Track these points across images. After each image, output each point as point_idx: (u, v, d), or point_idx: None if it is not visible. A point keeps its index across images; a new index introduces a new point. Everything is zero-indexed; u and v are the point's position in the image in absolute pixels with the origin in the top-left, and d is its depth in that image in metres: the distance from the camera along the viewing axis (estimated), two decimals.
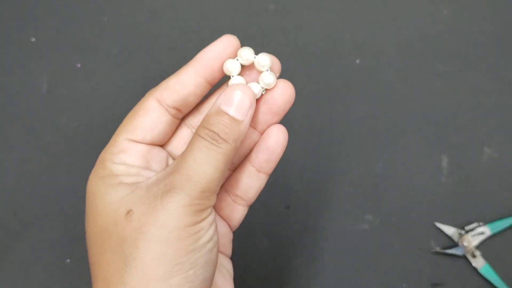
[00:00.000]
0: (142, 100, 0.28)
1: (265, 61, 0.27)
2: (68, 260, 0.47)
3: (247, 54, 0.28)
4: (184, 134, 0.30)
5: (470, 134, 0.47)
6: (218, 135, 0.25)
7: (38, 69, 0.51)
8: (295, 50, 0.50)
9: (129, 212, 0.24)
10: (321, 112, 0.49)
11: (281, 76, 0.51)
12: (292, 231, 0.46)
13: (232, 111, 0.25)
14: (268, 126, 0.29)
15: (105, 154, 0.28)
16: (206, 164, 0.24)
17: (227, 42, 0.28)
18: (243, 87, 0.26)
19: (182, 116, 0.29)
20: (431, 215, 0.46)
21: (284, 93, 0.29)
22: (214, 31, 0.51)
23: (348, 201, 0.47)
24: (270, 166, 0.31)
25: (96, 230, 0.26)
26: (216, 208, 0.31)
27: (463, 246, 0.44)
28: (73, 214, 0.48)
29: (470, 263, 0.44)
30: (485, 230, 0.45)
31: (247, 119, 0.26)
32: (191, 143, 0.25)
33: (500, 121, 0.48)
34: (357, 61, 0.50)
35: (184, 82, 0.27)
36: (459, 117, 0.48)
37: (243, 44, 0.30)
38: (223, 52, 0.28)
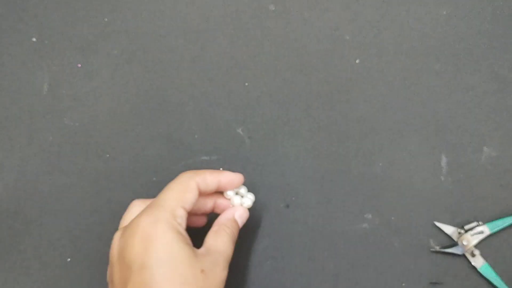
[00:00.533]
0: (187, 179, 0.40)
1: (249, 202, 0.44)
2: (69, 259, 0.47)
3: (244, 200, 0.44)
4: None
5: (469, 134, 0.47)
6: (232, 230, 0.41)
7: (39, 69, 0.51)
8: (295, 50, 0.50)
9: (203, 271, 0.36)
10: (320, 111, 0.49)
11: (282, 75, 0.52)
12: (292, 230, 0.47)
13: (239, 221, 0.43)
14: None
15: (166, 214, 0.37)
16: (223, 244, 0.40)
17: (241, 179, 0.43)
18: (246, 210, 0.43)
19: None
20: (431, 214, 0.46)
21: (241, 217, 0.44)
22: (214, 32, 0.51)
23: (348, 200, 0.47)
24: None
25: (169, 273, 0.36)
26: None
27: (462, 245, 0.44)
28: (74, 213, 0.48)
29: (469, 262, 0.44)
30: (484, 229, 0.45)
31: (241, 225, 0.43)
32: (218, 232, 0.41)
33: (499, 120, 0.48)
34: (357, 61, 0.50)
35: (211, 184, 0.42)
36: (458, 117, 0.48)
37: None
38: (235, 181, 0.43)
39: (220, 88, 0.50)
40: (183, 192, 0.39)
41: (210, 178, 0.41)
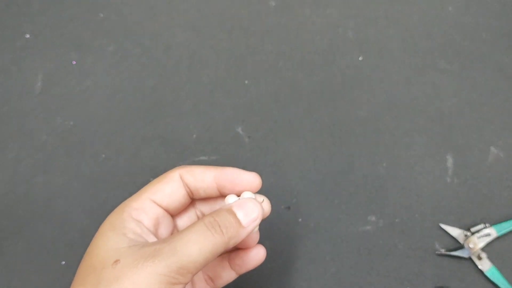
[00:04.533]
0: (170, 171, 0.32)
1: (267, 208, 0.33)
2: (63, 262, 0.46)
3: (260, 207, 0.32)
4: (191, 214, 0.35)
5: (476, 134, 0.47)
6: (219, 225, 0.29)
7: (33, 67, 0.51)
8: (297, 47, 0.50)
9: (116, 261, 0.27)
10: (323, 110, 0.49)
11: (283, 73, 0.50)
12: (293, 232, 0.46)
13: (240, 215, 0.30)
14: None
15: (127, 206, 0.31)
16: (194, 245, 0.28)
17: (254, 179, 0.32)
18: (256, 203, 0.31)
19: (193, 197, 0.34)
20: (436, 216, 0.45)
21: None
22: (213, 28, 0.51)
23: (351, 201, 0.46)
24: (241, 271, 0.36)
25: (87, 264, 0.29)
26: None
27: (469, 248, 0.44)
28: (68, 215, 0.47)
29: (475, 266, 0.44)
30: (491, 232, 0.44)
31: (249, 229, 0.30)
32: (192, 224, 0.29)
33: (506, 120, 0.47)
34: (360, 59, 0.50)
35: (203, 179, 0.32)
36: (465, 116, 0.47)
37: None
38: (247, 182, 0.32)
39: (219, 86, 0.50)
40: (157, 183, 0.32)
41: (200, 171, 0.32)
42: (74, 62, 0.51)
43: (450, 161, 0.47)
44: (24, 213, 0.47)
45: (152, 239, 0.31)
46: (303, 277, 0.45)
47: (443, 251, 0.44)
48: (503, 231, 0.44)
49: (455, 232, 0.45)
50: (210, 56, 0.50)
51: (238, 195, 0.33)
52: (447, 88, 0.48)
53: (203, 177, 0.32)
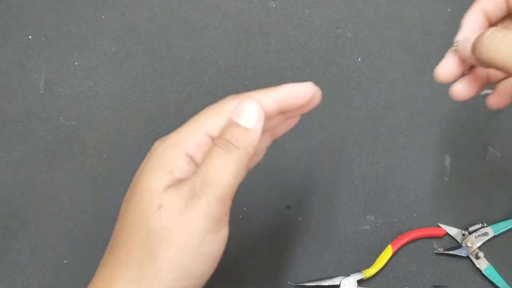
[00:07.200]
0: (224, 100, 0.30)
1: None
2: (66, 260, 0.46)
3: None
4: None
5: (474, 133, 0.47)
6: (231, 143, 0.28)
7: (36, 67, 0.51)
8: (296, 48, 0.50)
9: (160, 207, 0.27)
10: (322, 110, 0.49)
11: (282, 74, 0.50)
12: (293, 231, 0.46)
13: (242, 121, 0.28)
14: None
15: (182, 140, 0.29)
16: (221, 170, 0.27)
17: (311, 89, 0.31)
18: (251, 100, 0.29)
19: None
20: (434, 216, 0.45)
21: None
22: (213, 29, 0.51)
23: (350, 201, 0.46)
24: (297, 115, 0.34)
25: (131, 209, 0.28)
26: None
27: (467, 247, 0.44)
28: (72, 214, 0.47)
29: (473, 265, 0.44)
30: (489, 231, 0.44)
31: (257, 128, 0.29)
32: (209, 151, 0.28)
33: (504, 120, 0.47)
34: (359, 59, 0.49)
35: (263, 101, 0.29)
36: (463, 116, 0.47)
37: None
38: (305, 94, 0.31)
39: (219, 87, 0.50)
40: (214, 114, 0.29)
41: (260, 96, 0.29)
42: (76, 63, 0.51)
43: (447, 161, 0.47)
44: (27, 212, 0.47)
45: None
46: (303, 276, 0.45)
47: (441, 250, 0.44)
48: (501, 231, 0.44)
49: (453, 231, 0.45)
50: (211, 56, 0.50)
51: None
52: (445, 88, 0.48)
53: (262, 101, 0.29)
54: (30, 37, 0.51)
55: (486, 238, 0.44)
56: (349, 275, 0.44)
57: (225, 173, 0.27)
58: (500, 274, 0.43)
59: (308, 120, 0.48)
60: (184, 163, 0.28)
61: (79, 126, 0.49)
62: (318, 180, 0.47)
